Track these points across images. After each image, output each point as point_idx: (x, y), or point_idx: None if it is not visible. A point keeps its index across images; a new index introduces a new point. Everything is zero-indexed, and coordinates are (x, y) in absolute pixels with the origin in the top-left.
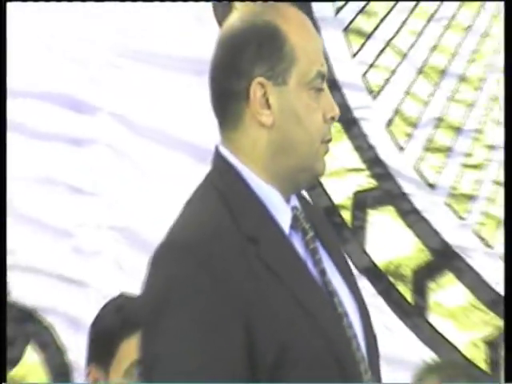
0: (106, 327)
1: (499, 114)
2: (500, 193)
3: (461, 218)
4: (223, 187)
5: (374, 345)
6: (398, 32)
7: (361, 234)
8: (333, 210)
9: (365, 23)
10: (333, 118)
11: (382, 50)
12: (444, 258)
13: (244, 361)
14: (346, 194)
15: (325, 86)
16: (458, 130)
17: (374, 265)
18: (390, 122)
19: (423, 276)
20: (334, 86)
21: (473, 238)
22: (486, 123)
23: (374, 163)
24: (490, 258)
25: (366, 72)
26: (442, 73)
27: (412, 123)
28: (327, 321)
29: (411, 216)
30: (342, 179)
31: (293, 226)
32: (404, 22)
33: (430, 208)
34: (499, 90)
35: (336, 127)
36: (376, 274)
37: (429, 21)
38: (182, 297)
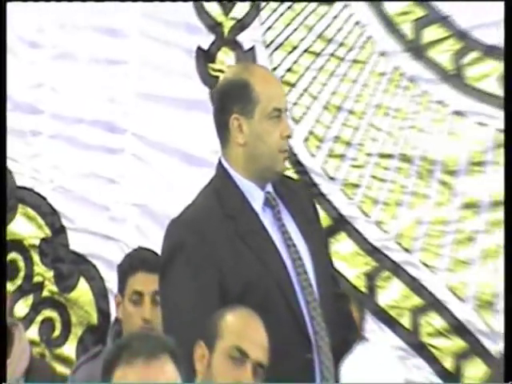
0: (124, 266)
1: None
2: (375, 184)
3: (350, 198)
4: (218, 184)
5: (325, 287)
6: (313, 79)
7: None
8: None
9: (291, 77)
10: (288, 136)
11: (301, 95)
12: (339, 224)
13: (218, 292)
14: None
15: (283, 114)
16: (348, 143)
17: None
18: (306, 139)
19: (327, 234)
20: None
21: (357, 211)
22: (366, 139)
23: (297, 164)
24: (368, 224)
25: (291, 108)
26: (339, 108)
27: (320, 140)
28: (278, 268)
29: (319, 197)
30: None
31: (265, 204)
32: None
33: (331, 192)
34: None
35: None
36: None
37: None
38: (180, 252)
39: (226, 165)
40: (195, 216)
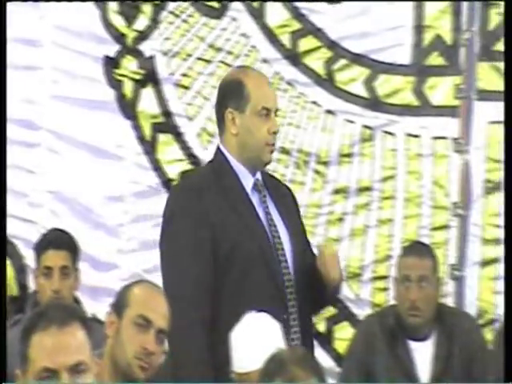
0: (38, 245)
1: None
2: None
3: None
4: (216, 163)
5: (300, 266)
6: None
7: None
8: (170, 180)
9: (186, 81)
10: (274, 132)
11: (194, 97)
12: None
13: (209, 248)
14: (175, 173)
15: (271, 113)
16: None
17: None
18: (199, 134)
19: None
20: (168, 114)
21: None
22: None
23: (191, 157)
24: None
25: (187, 108)
26: None
27: (211, 135)
28: (262, 236)
29: None
30: (174, 165)
31: (254, 188)
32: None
33: None
34: None
35: (167, 136)
36: None
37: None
38: (180, 212)
39: (223, 149)
40: (195, 184)
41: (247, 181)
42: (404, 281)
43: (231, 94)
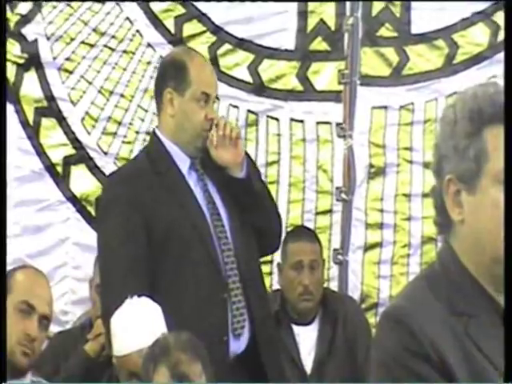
0: None
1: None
2: None
3: None
4: (150, 148)
5: (240, 244)
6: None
7: (66, 180)
8: (54, 165)
9: (70, 65)
10: (211, 119)
11: (78, 81)
12: None
13: (142, 232)
14: (59, 157)
15: (211, 99)
16: (120, 123)
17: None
18: (82, 119)
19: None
20: (51, 98)
21: None
22: (135, 119)
23: (75, 141)
24: None
25: (70, 93)
26: (111, 92)
27: (95, 119)
28: (197, 213)
29: (94, 170)
30: (57, 150)
31: (191, 168)
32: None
33: (105, 165)
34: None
35: (51, 121)
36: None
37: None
38: (114, 203)
39: (158, 132)
40: (128, 171)
41: (183, 161)
42: (296, 266)
43: (173, 75)
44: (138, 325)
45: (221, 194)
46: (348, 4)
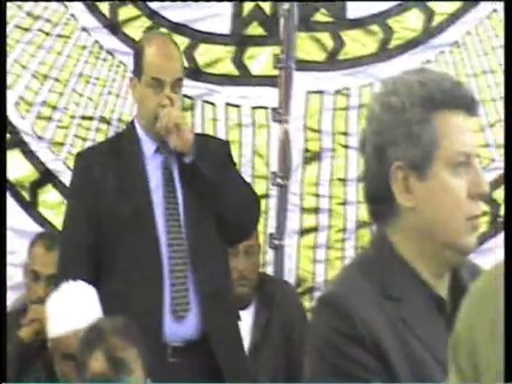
0: None
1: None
2: (78, 142)
3: (56, 155)
4: (123, 131)
5: (195, 231)
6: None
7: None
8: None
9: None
10: (164, 105)
11: (12, 65)
12: (46, 177)
13: (91, 212)
14: None
15: (166, 85)
16: (54, 107)
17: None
18: (17, 103)
19: (36, 186)
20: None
21: (62, 166)
22: (70, 103)
23: (9, 125)
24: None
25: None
26: (46, 76)
27: (29, 104)
28: (143, 197)
29: (28, 154)
30: None
31: (156, 152)
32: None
33: (39, 150)
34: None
35: None
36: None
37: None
38: (73, 182)
39: (134, 122)
40: (89, 152)
41: (149, 145)
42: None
43: (133, 60)
44: (73, 307)
45: (182, 179)
46: None
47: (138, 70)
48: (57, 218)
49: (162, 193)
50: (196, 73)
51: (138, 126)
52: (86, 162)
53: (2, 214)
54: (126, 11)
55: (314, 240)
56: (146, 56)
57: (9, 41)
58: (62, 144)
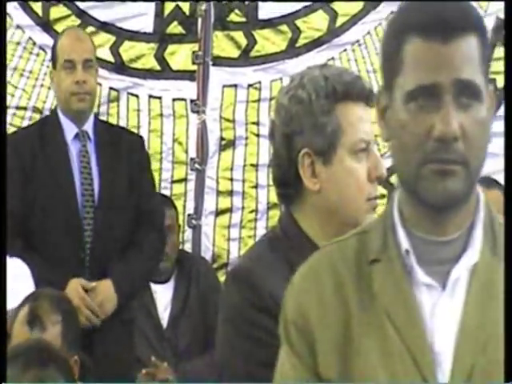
0: None
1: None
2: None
3: None
4: (48, 118)
5: (106, 212)
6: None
7: None
8: None
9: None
10: (78, 82)
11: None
12: None
13: (17, 192)
14: None
15: (77, 65)
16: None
17: None
18: None
19: None
20: None
21: None
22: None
23: None
24: None
25: None
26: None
27: None
28: (63, 178)
29: None
30: None
31: (75, 138)
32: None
33: None
34: None
35: None
36: None
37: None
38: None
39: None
40: (17, 138)
41: (69, 131)
42: None
43: (51, 54)
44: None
45: (99, 162)
46: None
47: (53, 61)
48: None
49: (78, 177)
50: (121, 67)
51: (60, 112)
52: (16, 143)
53: (1, 213)
54: (57, 10)
55: (228, 220)
56: (58, 44)
57: None
58: None
